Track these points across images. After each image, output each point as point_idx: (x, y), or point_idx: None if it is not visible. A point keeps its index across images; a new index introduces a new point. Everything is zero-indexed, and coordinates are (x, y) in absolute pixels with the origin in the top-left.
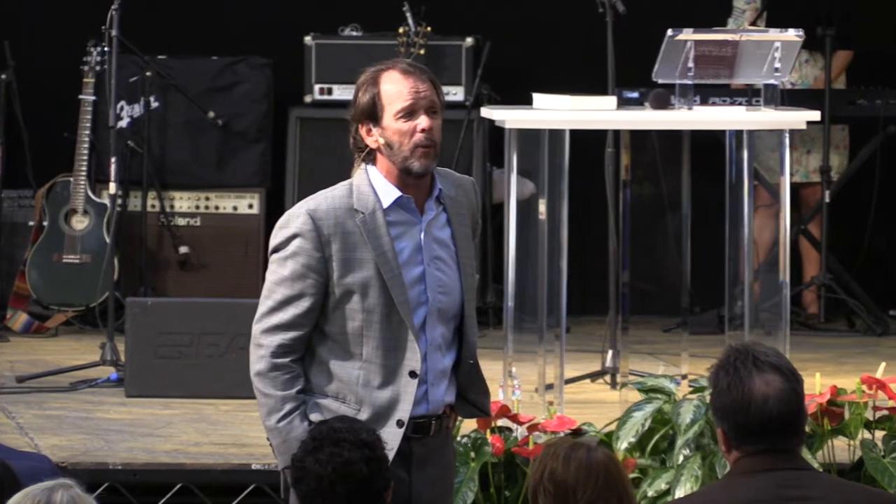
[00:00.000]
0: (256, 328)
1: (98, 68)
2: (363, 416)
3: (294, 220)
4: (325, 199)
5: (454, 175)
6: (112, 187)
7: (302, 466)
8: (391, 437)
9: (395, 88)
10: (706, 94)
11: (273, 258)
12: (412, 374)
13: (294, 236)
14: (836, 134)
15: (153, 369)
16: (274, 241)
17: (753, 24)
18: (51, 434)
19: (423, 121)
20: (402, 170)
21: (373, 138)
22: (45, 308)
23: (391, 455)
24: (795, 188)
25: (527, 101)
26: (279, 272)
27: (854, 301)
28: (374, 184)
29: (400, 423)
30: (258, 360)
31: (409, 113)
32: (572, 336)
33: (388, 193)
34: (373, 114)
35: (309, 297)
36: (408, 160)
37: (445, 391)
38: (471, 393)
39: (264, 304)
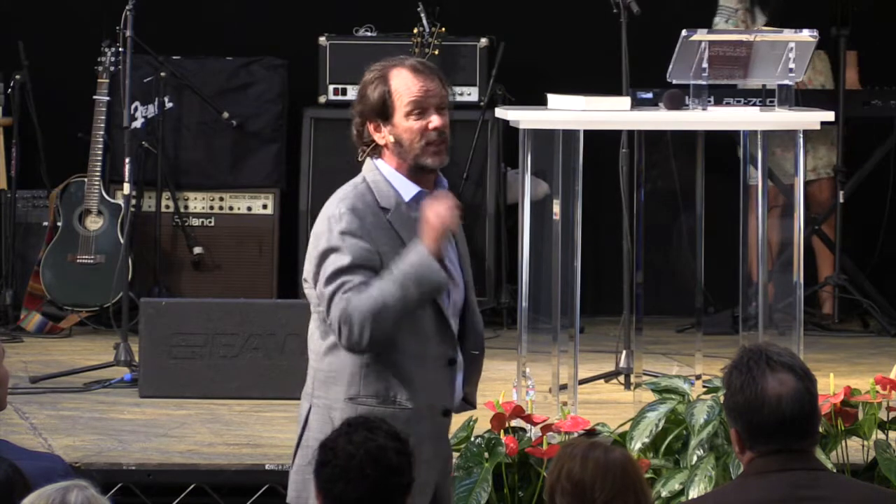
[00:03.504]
0: (336, 310)
1: (112, 69)
2: (418, 414)
3: (340, 219)
4: (356, 197)
5: None
6: (126, 188)
7: (332, 447)
8: (440, 426)
9: (406, 87)
10: (720, 94)
11: (330, 258)
12: (451, 363)
13: (344, 233)
14: (831, 129)
15: (167, 370)
16: (323, 243)
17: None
18: (64, 434)
19: (434, 119)
20: (415, 165)
21: (381, 135)
22: (59, 308)
23: (441, 445)
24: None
25: (541, 102)
26: (340, 263)
27: (868, 301)
28: (390, 179)
29: (446, 413)
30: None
31: (420, 111)
32: (586, 336)
33: (407, 188)
34: (383, 111)
35: (372, 272)
36: (420, 157)
37: (460, 383)
38: (466, 386)
39: (330, 287)
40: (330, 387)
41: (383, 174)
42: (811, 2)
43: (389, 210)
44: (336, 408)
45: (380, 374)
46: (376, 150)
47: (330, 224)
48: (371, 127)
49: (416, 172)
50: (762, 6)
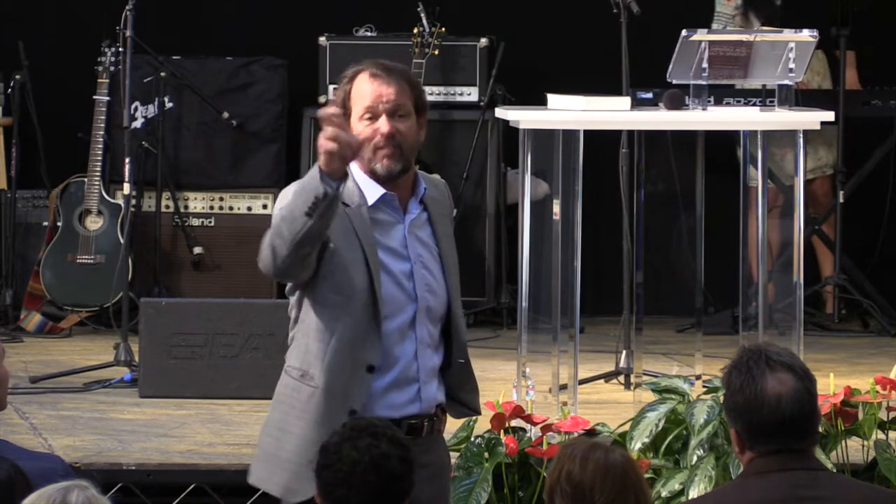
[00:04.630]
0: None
1: (112, 69)
2: (318, 396)
3: (289, 194)
4: None
5: (427, 176)
6: (126, 188)
7: (336, 451)
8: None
9: (360, 92)
10: (720, 94)
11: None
12: (369, 369)
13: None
14: (830, 129)
15: (167, 370)
16: (275, 212)
17: (763, 25)
18: (64, 434)
19: (382, 124)
20: (369, 171)
21: None
22: (59, 308)
23: None
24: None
25: (541, 102)
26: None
27: (868, 301)
28: (358, 180)
29: (352, 413)
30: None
31: (371, 116)
32: (586, 336)
33: (373, 191)
34: (345, 115)
35: None
36: (371, 162)
37: (437, 390)
38: (461, 392)
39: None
40: (287, 357)
41: (352, 174)
42: (811, 2)
43: (350, 206)
44: (282, 373)
45: (306, 349)
46: None
47: (282, 199)
48: None
49: (377, 176)
50: (756, 11)
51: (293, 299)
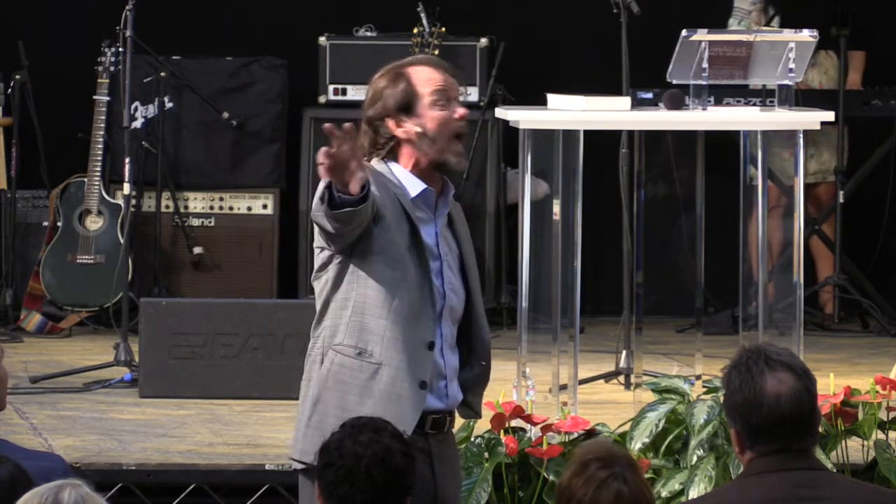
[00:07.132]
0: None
1: (112, 69)
2: (384, 372)
3: None
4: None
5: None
6: (126, 188)
7: (338, 448)
8: (417, 398)
9: (429, 78)
10: (720, 94)
11: None
12: (430, 346)
13: None
14: (835, 133)
15: (167, 370)
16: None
17: (768, 24)
18: (64, 434)
19: (459, 109)
20: (435, 161)
21: (403, 129)
22: (59, 308)
23: (411, 424)
24: (805, 188)
25: (541, 102)
26: None
27: (868, 301)
28: (399, 176)
29: (423, 385)
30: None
31: (445, 101)
32: (586, 336)
33: (413, 184)
34: (406, 105)
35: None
36: (444, 152)
37: (457, 389)
38: (469, 394)
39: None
40: (327, 338)
41: (393, 172)
42: (811, 2)
43: (397, 193)
44: (328, 354)
45: (362, 326)
46: (392, 153)
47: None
48: (391, 124)
49: (432, 170)
50: (775, 4)
51: (326, 276)
